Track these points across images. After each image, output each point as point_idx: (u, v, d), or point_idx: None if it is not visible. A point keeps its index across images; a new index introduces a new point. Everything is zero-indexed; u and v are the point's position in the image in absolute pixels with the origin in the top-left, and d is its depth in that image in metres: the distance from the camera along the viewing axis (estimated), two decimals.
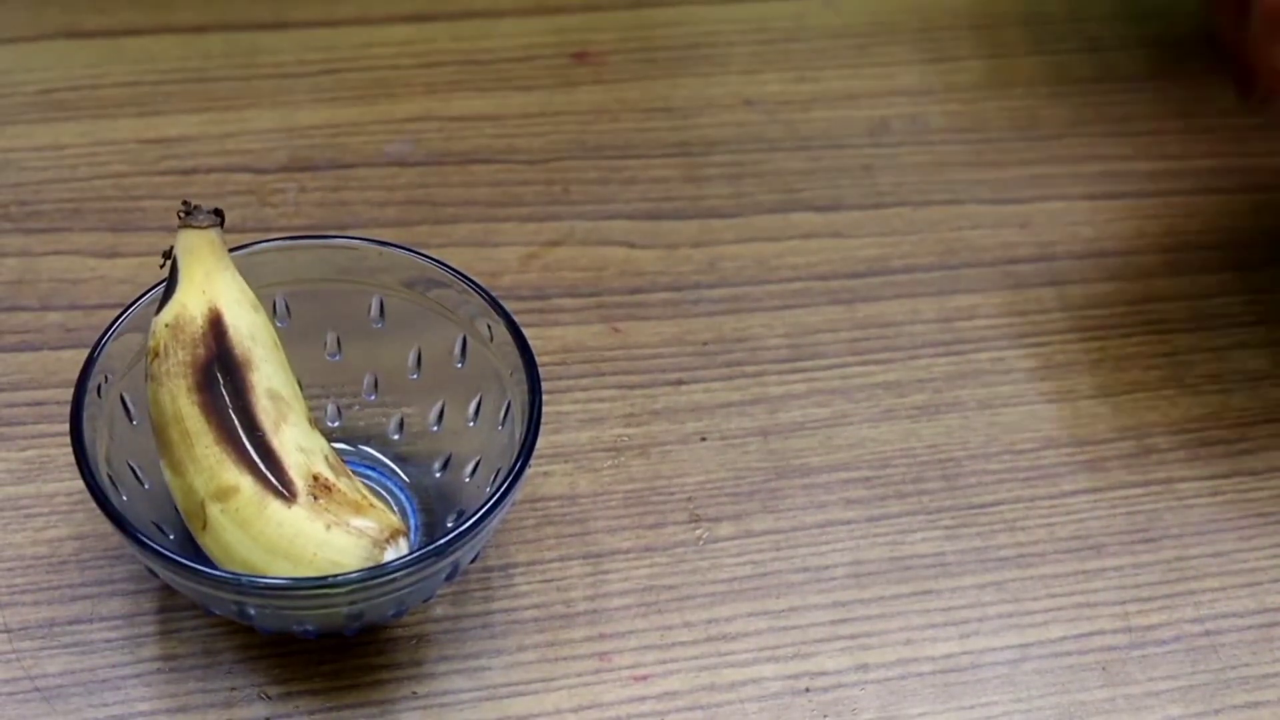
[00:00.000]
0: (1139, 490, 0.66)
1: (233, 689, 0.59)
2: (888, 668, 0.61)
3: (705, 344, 0.69)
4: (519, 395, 0.58)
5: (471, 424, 0.61)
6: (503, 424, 0.59)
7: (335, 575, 0.54)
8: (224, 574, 0.54)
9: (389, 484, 0.63)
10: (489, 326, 0.60)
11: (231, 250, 0.58)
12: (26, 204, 0.72)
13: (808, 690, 0.60)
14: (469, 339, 0.61)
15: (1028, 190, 0.76)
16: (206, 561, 0.55)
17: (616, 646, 0.61)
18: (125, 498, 0.57)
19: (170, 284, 0.58)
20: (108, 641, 0.60)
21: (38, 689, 0.58)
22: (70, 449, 0.55)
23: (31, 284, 0.69)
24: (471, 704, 0.59)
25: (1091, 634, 0.62)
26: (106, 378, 0.58)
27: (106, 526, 0.62)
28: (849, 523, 0.64)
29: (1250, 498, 0.66)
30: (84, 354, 0.66)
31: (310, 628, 0.57)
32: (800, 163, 0.76)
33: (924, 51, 0.82)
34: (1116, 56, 0.82)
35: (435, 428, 0.62)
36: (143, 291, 0.59)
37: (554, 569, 0.62)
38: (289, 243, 0.61)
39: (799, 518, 0.64)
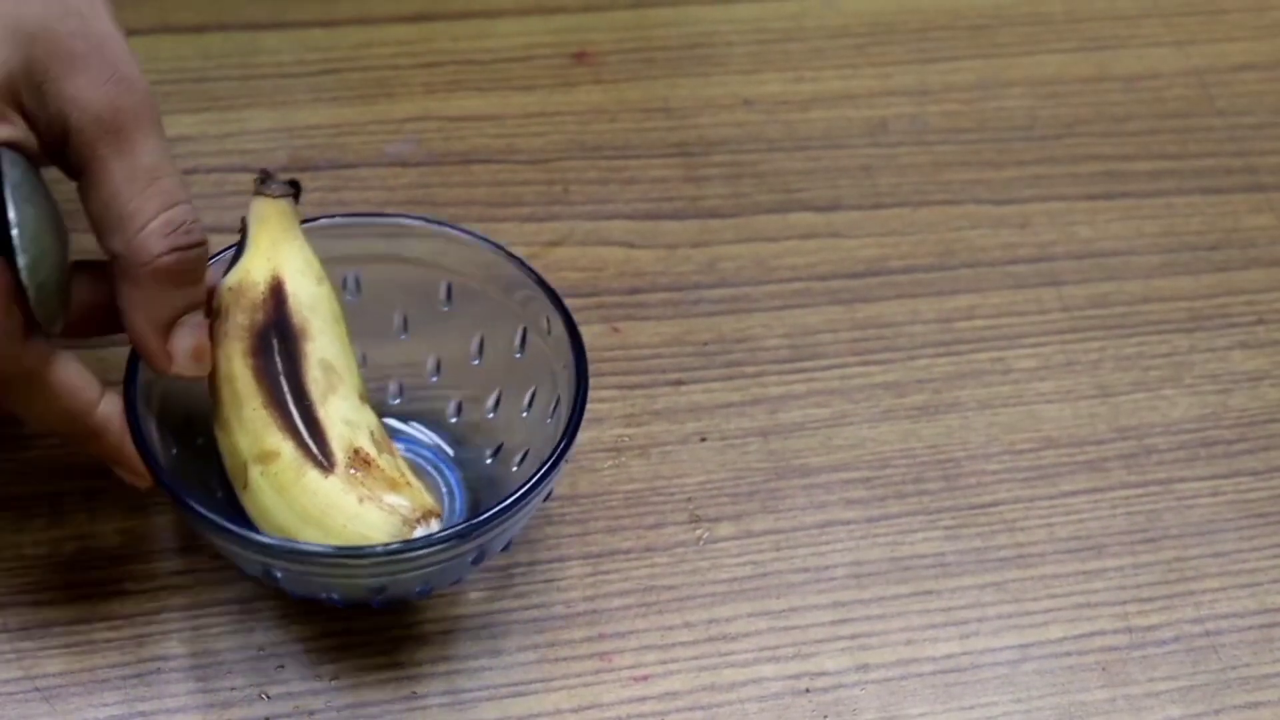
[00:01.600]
0: (1139, 490, 0.66)
1: (233, 689, 0.59)
2: (888, 668, 0.61)
3: (705, 344, 0.69)
4: (567, 392, 0.59)
5: (524, 415, 0.62)
6: (551, 418, 0.60)
7: (358, 548, 0.54)
8: (252, 535, 0.55)
9: (442, 467, 0.63)
10: (548, 320, 0.60)
11: (307, 222, 0.59)
12: None
13: (808, 690, 0.60)
14: (529, 331, 0.61)
15: (1027, 190, 0.76)
16: (243, 521, 0.56)
17: (616, 646, 0.61)
18: (175, 452, 0.58)
19: (239, 249, 0.59)
20: (108, 641, 0.59)
21: (38, 689, 0.58)
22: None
23: None
24: (471, 704, 0.59)
25: (1091, 634, 0.62)
26: None
27: (107, 526, 0.62)
28: (849, 523, 0.64)
29: (1250, 498, 0.66)
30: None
31: (335, 596, 0.58)
32: (799, 163, 0.76)
33: (923, 51, 0.82)
34: (1116, 56, 0.82)
35: (491, 415, 0.63)
36: (213, 253, 0.59)
37: (554, 569, 0.62)
38: (366, 220, 0.62)
39: (799, 518, 0.64)
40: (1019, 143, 0.78)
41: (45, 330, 0.55)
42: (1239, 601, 0.63)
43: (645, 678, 0.60)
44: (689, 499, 0.65)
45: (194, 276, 0.56)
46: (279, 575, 0.56)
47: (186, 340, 0.56)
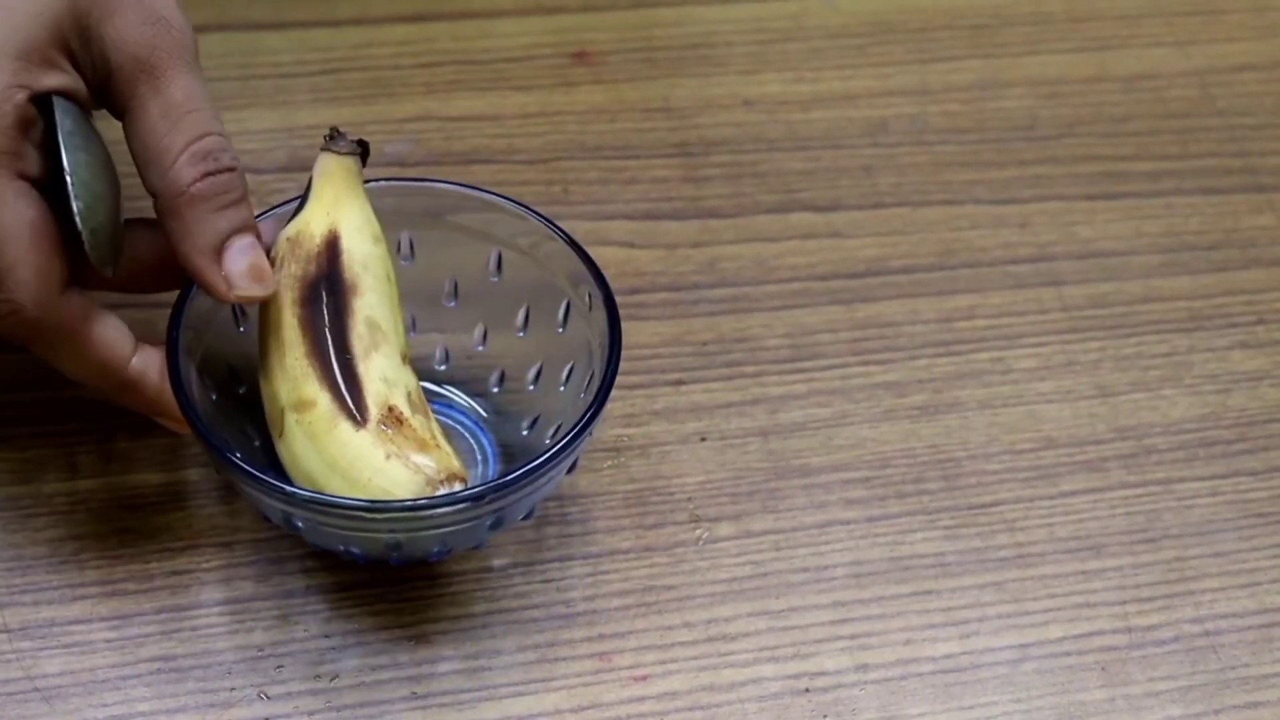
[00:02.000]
0: (1139, 490, 0.66)
1: (233, 689, 0.59)
2: (887, 668, 0.61)
3: (705, 344, 0.69)
4: (601, 368, 0.59)
5: (561, 389, 0.63)
6: (585, 393, 0.60)
7: (376, 501, 0.55)
8: (273, 481, 0.55)
9: (480, 436, 0.64)
10: (590, 297, 0.61)
11: (369, 182, 0.60)
12: None
13: (808, 690, 0.60)
14: (572, 306, 0.62)
15: (1027, 190, 0.76)
16: (275, 469, 0.57)
17: (616, 646, 0.61)
18: (215, 398, 0.59)
19: (302, 201, 0.60)
20: (108, 641, 0.60)
21: (38, 689, 0.58)
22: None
23: None
24: (471, 704, 0.59)
25: (1091, 634, 0.62)
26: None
27: (107, 527, 0.62)
28: (849, 523, 0.64)
29: (1250, 498, 0.66)
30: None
31: (355, 550, 0.58)
32: (799, 163, 0.76)
33: (924, 51, 0.82)
34: (1116, 56, 0.82)
35: (531, 387, 0.64)
36: (272, 206, 0.61)
37: (554, 569, 0.62)
38: (424, 185, 0.62)
39: (799, 518, 0.64)
40: (1019, 143, 0.78)
41: (99, 274, 0.57)
42: (1238, 601, 0.63)
43: (645, 678, 0.60)
44: (689, 499, 0.65)
45: (230, 199, 0.57)
46: (300, 525, 0.57)
47: (239, 262, 0.57)
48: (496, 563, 0.62)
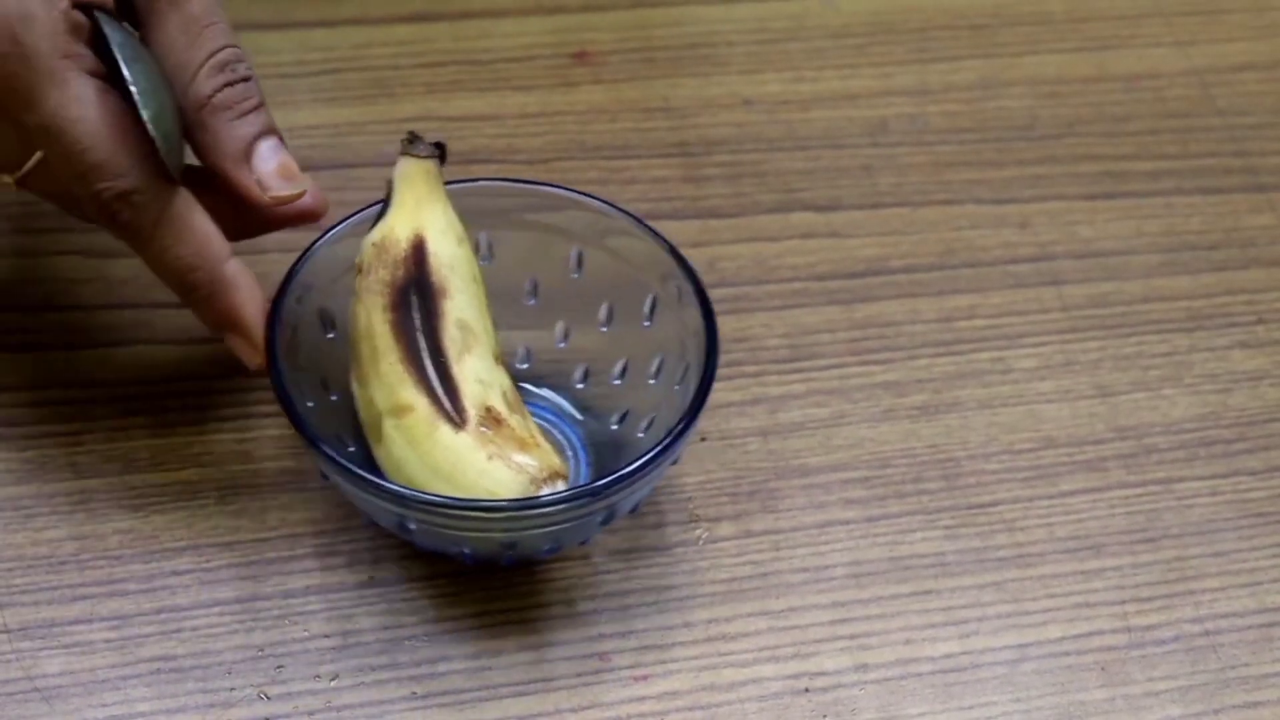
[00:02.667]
0: (1139, 490, 0.66)
1: (232, 689, 0.59)
2: (887, 668, 0.61)
3: None
4: (696, 359, 0.59)
5: (652, 382, 0.63)
6: (679, 385, 0.61)
7: (491, 500, 0.56)
8: (389, 485, 0.56)
9: (567, 431, 0.64)
10: (678, 289, 0.61)
11: (448, 184, 0.60)
12: (27, 204, 0.72)
13: (807, 690, 0.60)
14: (659, 299, 0.62)
15: (1027, 190, 0.76)
16: (378, 473, 0.57)
17: (616, 646, 0.61)
18: (311, 404, 0.59)
19: (384, 206, 0.60)
20: (108, 641, 0.60)
21: (37, 689, 0.58)
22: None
23: (31, 284, 0.69)
24: (471, 704, 0.59)
25: (1091, 634, 0.62)
26: (309, 288, 0.60)
27: (107, 526, 0.62)
28: (849, 523, 0.65)
29: (1250, 498, 0.66)
30: (84, 355, 0.66)
31: (467, 551, 0.59)
32: (799, 163, 0.76)
33: (924, 51, 0.82)
34: (1116, 56, 0.82)
35: (617, 381, 0.64)
36: (356, 210, 0.61)
37: (554, 569, 0.62)
38: (501, 184, 0.63)
39: (799, 518, 0.65)
40: (1019, 142, 0.78)
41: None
42: (1238, 601, 0.63)
43: (645, 677, 0.60)
44: (689, 499, 0.65)
45: (250, 105, 0.59)
46: (413, 527, 0.57)
47: (267, 162, 0.59)
48: (495, 564, 0.62)
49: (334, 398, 0.61)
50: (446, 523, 0.56)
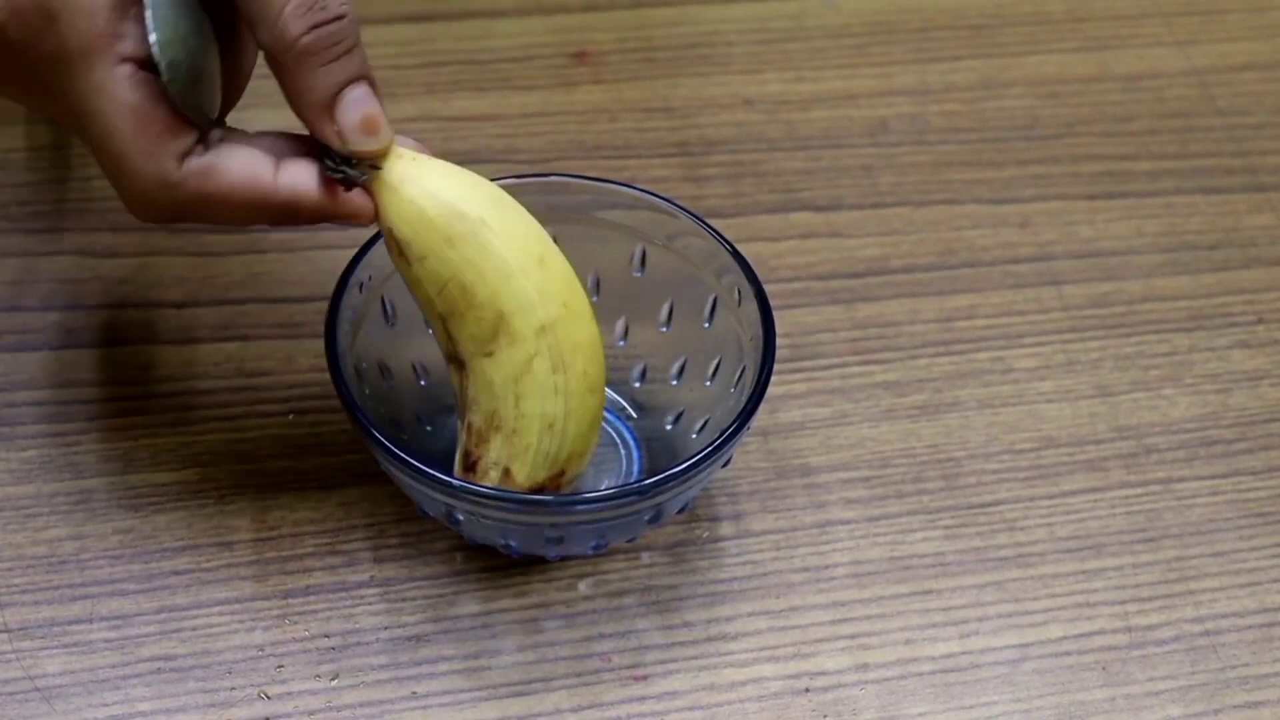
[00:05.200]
0: (1139, 490, 0.66)
1: (233, 689, 0.59)
2: (888, 668, 0.61)
3: None
4: (754, 361, 0.60)
5: (708, 384, 0.63)
6: (735, 388, 0.61)
7: (533, 495, 0.56)
8: (440, 476, 0.56)
9: (622, 429, 0.65)
10: (739, 291, 0.61)
11: (502, 179, 0.60)
12: (26, 204, 0.72)
13: (808, 690, 0.60)
14: (719, 301, 0.62)
15: (1027, 190, 0.76)
16: (430, 461, 0.56)
17: (616, 646, 0.61)
18: (368, 391, 0.60)
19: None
20: (108, 641, 0.60)
21: (38, 689, 0.58)
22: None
23: (31, 284, 0.69)
24: (471, 704, 0.59)
25: (1091, 634, 0.62)
26: (370, 276, 0.60)
27: (107, 526, 0.62)
28: (849, 523, 0.64)
29: (1250, 498, 0.66)
30: (84, 354, 0.66)
31: (513, 544, 0.59)
32: (800, 163, 0.76)
33: (924, 51, 0.82)
34: (1116, 56, 0.82)
35: (675, 381, 0.64)
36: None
37: (553, 569, 0.62)
38: (566, 180, 0.63)
39: (799, 517, 0.64)
40: (1019, 142, 0.78)
41: (192, 120, 0.55)
42: (1239, 601, 0.63)
43: (645, 677, 0.60)
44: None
45: (341, 50, 0.55)
46: (460, 519, 0.57)
47: (352, 114, 0.55)
48: (496, 562, 0.62)
49: (387, 386, 0.61)
50: (493, 515, 0.57)
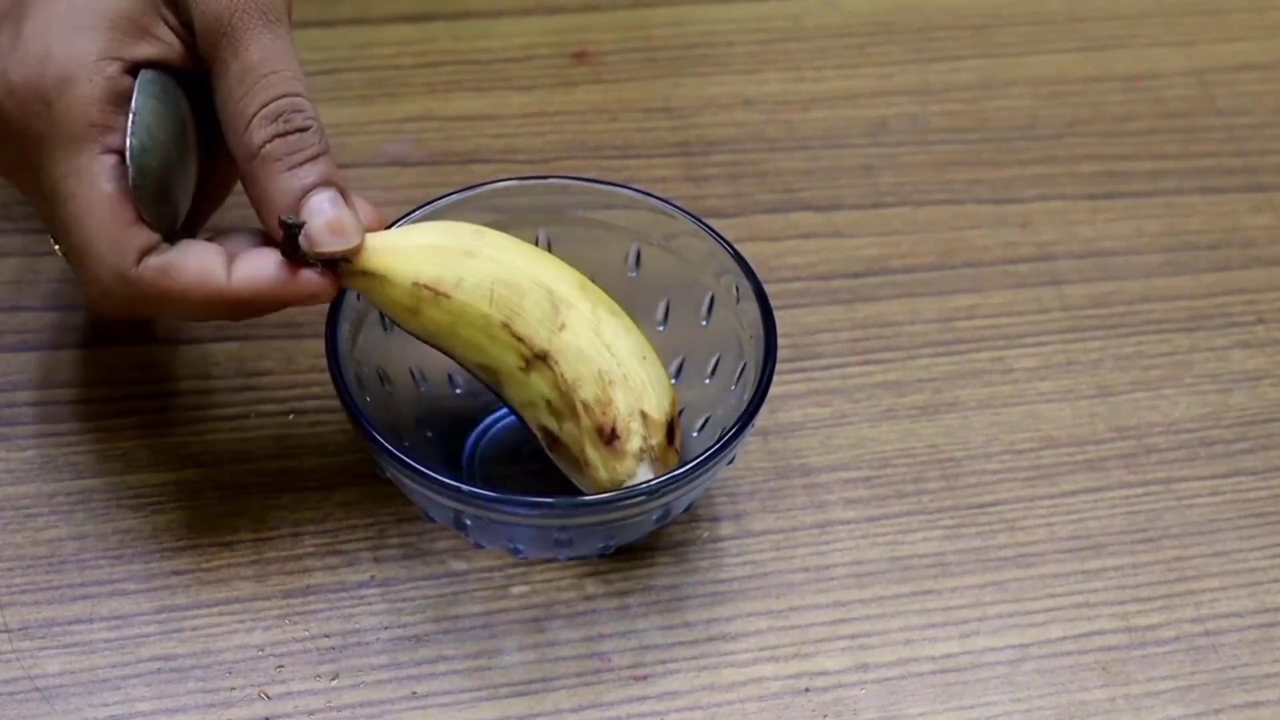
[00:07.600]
0: (1139, 490, 0.66)
1: (233, 689, 0.59)
2: (888, 668, 0.61)
3: None
4: (754, 359, 0.60)
5: (708, 381, 0.63)
6: (736, 385, 0.61)
7: (542, 498, 0.56)
8: (446, 480, 0.56)
9: None
10: (737, 289, 0.61)
11: (507, 179, 0.61)
12: (26, 204, 0.72)
13: (808, 690, 0.60)
14: (716, 298, 0.62)
15: (1027, 190, 0.76)
16: (433, 466, 0.57)
17: (616, 646, 0.61)
18: (368, 398, 0.60)
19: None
20: (108, 641, 0.60)
21: (38, 689, 0.58)
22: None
23: (31, 284, 0.69)
24: (471, 704, 0.59)
25: (1091, 634, 0.62)
26: None
27: (107, 526, 0.62)
28: (849, 523, 0.64)
29: (1250, 498, 0.66)
30: (84, 354, 0.66)
31: (520, 547, 0.59)
32: (800, 163, 0.76)
33: (924, 51, 0.82)
34: (1117, 56, 0.82)
35: (674, 380, 0.64)
36: (405, 213, 0.61)
37: (554, 569, 0.62)
38: (560, 181, 0.63)
39: (799, 517, 0.64)
40: (1020, 142, 0.78)
41: (152, 227, 0.56)
42: (1239, 601, 0.63)
43: (645, 677, 0.60)
44: None
45: (303, 157, 0.56)
46: (468, 523, 0.58)
47: (316, 219, 0.56)
48: (496, 562, 0.62)
49: (388, 390, 0.61)
50: (499, 518, 0.57)
